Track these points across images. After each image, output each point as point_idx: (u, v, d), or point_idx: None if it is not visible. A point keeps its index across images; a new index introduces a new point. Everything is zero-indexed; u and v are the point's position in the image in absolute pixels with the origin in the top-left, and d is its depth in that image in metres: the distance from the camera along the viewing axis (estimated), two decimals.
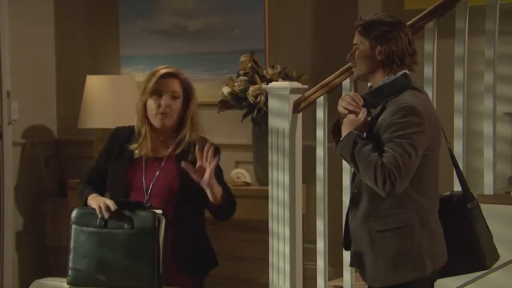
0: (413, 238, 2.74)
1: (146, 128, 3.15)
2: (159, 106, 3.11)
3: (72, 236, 3.07)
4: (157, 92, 3.12)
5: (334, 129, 2.92)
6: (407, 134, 2.66)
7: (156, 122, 3.13)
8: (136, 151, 3.16)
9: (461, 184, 2.92)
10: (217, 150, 3.13)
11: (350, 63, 2.89)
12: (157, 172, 3.15)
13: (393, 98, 2.75)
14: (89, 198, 3.13)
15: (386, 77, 2.79)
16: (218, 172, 3.15)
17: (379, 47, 2.77)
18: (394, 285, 2.77)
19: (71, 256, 3.06)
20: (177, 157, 3.15)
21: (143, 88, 3.16)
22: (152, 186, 3.13)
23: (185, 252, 3.14)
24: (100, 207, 3.02)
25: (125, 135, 3.23)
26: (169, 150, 3.17)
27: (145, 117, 3.16)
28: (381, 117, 2.74)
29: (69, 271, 3.05)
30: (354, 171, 2.84)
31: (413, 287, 2.77)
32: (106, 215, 3.00)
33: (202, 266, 3.25)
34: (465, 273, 2.95)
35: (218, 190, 3.09)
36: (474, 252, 2.83)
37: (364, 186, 2.77)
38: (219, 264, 3.30)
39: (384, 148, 2.67)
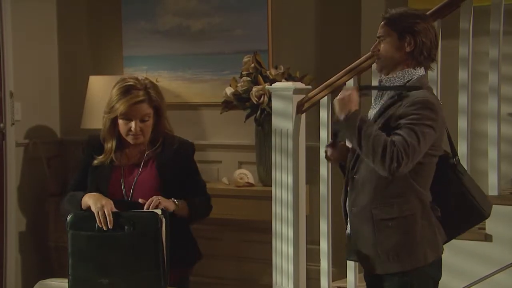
0: (416, 227, 2.76)
1: (112, 144, 3.15)
2: (129, 129, 3.11)
3: (70, 241, 3.03)
4: (126, 116, 3.11)
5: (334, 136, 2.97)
6: (421, 125, 2.67)
7: (129, 140, 3.15)
8: (96, 162, 3.15)
9: (450, 145, 2.92)
10: (189, 147, 3.20)
11: (374, 56, 2.88)
12: (136, 178, 3.14)
13: (408, 93, 2.76)
14: (86, 196, 3.08)
15: (407, 69, 2.80)
16: (192, 171, 3.19)
17: (408, 38, 2.78)
18: (394, 272, 2.78)
19: (70, 262, 3.02)
20: (156, 158, 3.16)
21: (110, 104, 3.12)
22: (132, 191, 3.12)
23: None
24: (99, 218, 3.00)
25: (96, 144, 3.21)
26: (145, 155, 3.18)
27: (113, 131, 3.15)
28: (393, 108, 2.75)
29: (70, 277, 3.02)
30: (355, 158, 2.84)
31: (414, 275, 2.78)
32: (108, 227, 2.99)
33: (187, 260, 3.22)
34: (468, 229, 2.94)
35: (185, 211, 3.10)
36: (470, 205, 2.84)
37: (368, 173, 2.78)
38: (202, 256, 3.28)
39: (395, 131, 2.69)
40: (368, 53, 3.48)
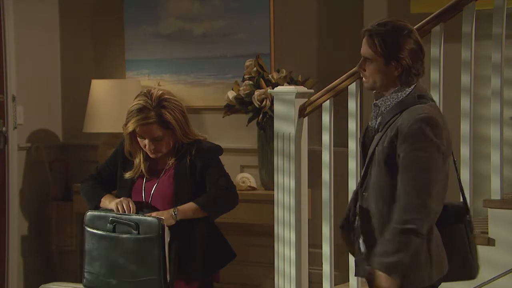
0: (424, 246, 2.69)
1: (140, 158, 3.20)
2: (144, 146, 3.15)
3: (86, 239, 3.11)
4: (139, 135, 3.15)
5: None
6: (425, 147, 2.61)
7: (148, 153, 3.18)
8: (126, 175, 3.21)
9: (462, 195, 2.89)
10: (213, 150, 3.20)
11: (361, 74, 2.80)
12: (154, 186, 3.17)
13: (408, 108, 2.71)
14: (107, 199, 3.18)
15: (399, 88, 2.74)
16: (207, 168, 3.18)
17: (394, 63, 2.70)
18: None
19: (86, 259, 3.09)
20: (175, 166, 3.17)
21: (125, 121, 3.16)
22: (151, 199, 3.16)
23: (190, 259, 3.14)
24: (117, 207, 3.06)
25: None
26: (168, 162, 3.20)
27: (137, 147, 3.19)
28: (394, 124, 2.69)
29: (85, 274, 3.09)
30: (363, 175, 2.80)
31: None
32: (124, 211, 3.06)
33: (209, 265, 3.23)
34: (454, 281, 2.89)
35: (190, 212, 3.11)
36: (467, 262, 2.80)
37: (374, 191, 2.75)
38: (234, 257, 3.30)
39: (398, 179, 2.62)
40: None
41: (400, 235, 2.60)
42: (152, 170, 3.21)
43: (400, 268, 2.62)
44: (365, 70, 2.76)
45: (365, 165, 2.80)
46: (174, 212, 3.07)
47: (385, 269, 2.62)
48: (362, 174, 2.81)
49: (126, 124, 3.14)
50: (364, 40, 2.75)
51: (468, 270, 2.83)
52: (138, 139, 3.16)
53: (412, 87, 2.75)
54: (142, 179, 3.21)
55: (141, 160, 3.20)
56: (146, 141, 3.13)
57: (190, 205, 3.11)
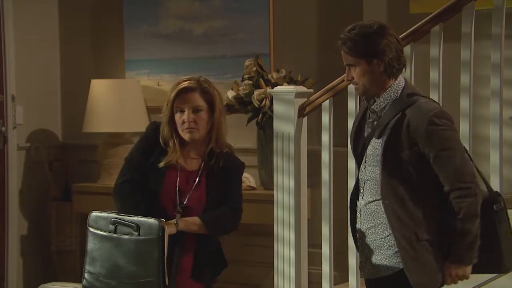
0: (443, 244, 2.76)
1: (174, 141, 3.16)
2: (183, 122, 3.12)
3: (88, 239, 3.11)
4: (179, 108, 3.13)
5: None
6: (451, 141, 2.72)
7: (184, 136, 3.14)
8: (162, 164, 3.17)
9: (486, 185, 2.90)
10: (238, 166, 3.25)
11: (352, 83, 2.87)
12: (192, 188, 3.16)
13: (409, 106, 2.76)
14: None
15: (390, 87, 2.79)
16: (230, 186, 3.21)
17: (375, 60, 2.75)
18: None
19: (86, 259, 3.09)
20: (207, 170, 3.16)
21: (166, 102, 3.17)
22: (187, 201, 3.14)
23: (203, 262, 3.16)
24: None
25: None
26: (200, 163, 3.18)
27: (173, 130, 3.16)
28: (403, 126, 2.73)
29: (85, 274, 3.08)
30: (381, 180, 2.81)
31: None
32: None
33: (213, 272, 3.25)
34: (481, 273, 2.91)
35: (194, 227, 3.12)
36: (495, 254, 2.80)
37: (393, 198, 2.75)
38: (227, 266, 3.31)
39: (442, 181, 2.71)
40: None
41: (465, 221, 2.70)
42: (183, 172, 3.17)
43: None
44: (353, 78, 2.82)
45: (380, 171, 2.79)
46: (175, 221, 3.07)
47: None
48: (380, 180, 2.79)
49: (167, 102, 3.13)
50: (342, 50, 2.81)
51: (497, 263, 2.82)
52: (178, 116, 3.11)
53: (402, 85, 2.80)
54: (175, 173, 3.16)
55: (176, 145, 3.14)
56: (185, 114, 3.10)
57: (195, 219, 3.12)
